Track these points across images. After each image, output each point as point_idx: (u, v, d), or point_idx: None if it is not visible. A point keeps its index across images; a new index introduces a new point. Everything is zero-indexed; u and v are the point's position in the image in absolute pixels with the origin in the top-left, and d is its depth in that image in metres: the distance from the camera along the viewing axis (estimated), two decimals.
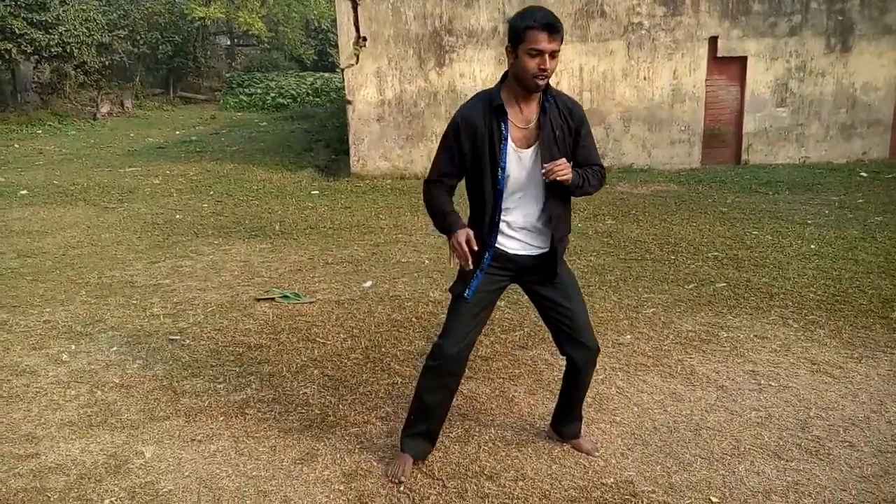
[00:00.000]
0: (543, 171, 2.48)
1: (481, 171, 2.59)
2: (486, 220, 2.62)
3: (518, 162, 2.57)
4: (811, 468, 2.83)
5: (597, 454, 2.94)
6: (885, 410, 3.29)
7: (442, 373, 2.70)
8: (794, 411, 3.29)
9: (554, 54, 2.46)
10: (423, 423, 2.82)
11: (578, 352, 2.77)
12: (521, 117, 2.57)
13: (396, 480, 2.76)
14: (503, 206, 2.61)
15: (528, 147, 2.57)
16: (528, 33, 2.43)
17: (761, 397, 3.44)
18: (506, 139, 2.54)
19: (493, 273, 2.69)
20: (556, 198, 2.62)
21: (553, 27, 2.43)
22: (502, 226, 2.64)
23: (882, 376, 3.64)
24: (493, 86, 2.65)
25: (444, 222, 2.60)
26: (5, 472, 2.89)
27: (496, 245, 2.65)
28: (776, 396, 3.44)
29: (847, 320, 4.40)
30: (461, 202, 2.59)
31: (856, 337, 4.15)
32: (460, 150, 2.60)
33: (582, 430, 3.05)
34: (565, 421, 3.00)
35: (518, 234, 2.66)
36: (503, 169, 2.56)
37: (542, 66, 2.43)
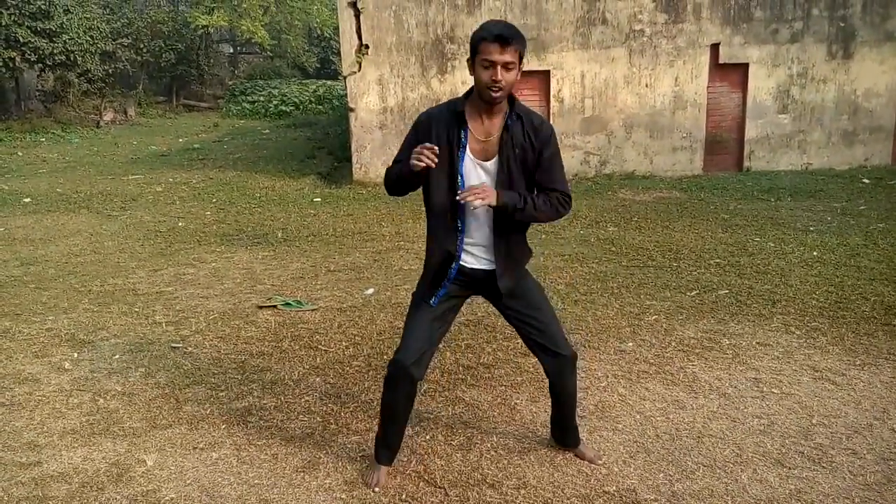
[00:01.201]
0: (458, 195, 2.46)
1: (440, 178, 2.58)
2: (449, 228, 2.63)
3: (475, 173, 2.58)
4: (814, 476, 2.82)
5: (600, 462, 2.93)
6: (889, 418, 3.28)
7: (400, 385, 2.70)
8: (797, 419, 3.28)
9: (508, 66, 2.44)
10: (394, 433, 2.83)
11: (552, 360, 2.78)
12: (482, 129, 2.57)
13: (372, 488, 2.79)
14: (462, 219, 2.62)
15: (487, 160, 2.57)
16: (480, 45, 2.45)
17: (764, 405, 3.43)
18: (464, 147, 2.55)
19: (455, 284, 2.70)
20: (504, 216, 2.59)
21: (504, 39, 2.41)
22: (462, 237, 2.64)
23: (885, 383, 3.63)
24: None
25: (399, 170, 2.59)
26: (7, 481, 2.90)
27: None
28: (779, 404, 3.43)
29: (849, 327, 4.39)
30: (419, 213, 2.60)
31: (858, 344, 4.14)
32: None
33: (584, 438, 3.05)
34: (561, 430, 3.01)
35: (473, 249, 2.67)
36: (462, 177, 2.56)
37: (494, 78, 2.43)
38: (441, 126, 2.57)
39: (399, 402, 2.75)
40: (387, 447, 2.85)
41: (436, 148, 2.42)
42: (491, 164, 2.58)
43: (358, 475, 2.88)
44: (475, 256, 2.68)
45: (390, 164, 2.75)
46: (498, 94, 2.47)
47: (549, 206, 2.58)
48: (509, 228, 2.64)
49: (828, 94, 11.01)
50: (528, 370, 3.86)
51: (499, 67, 2.42)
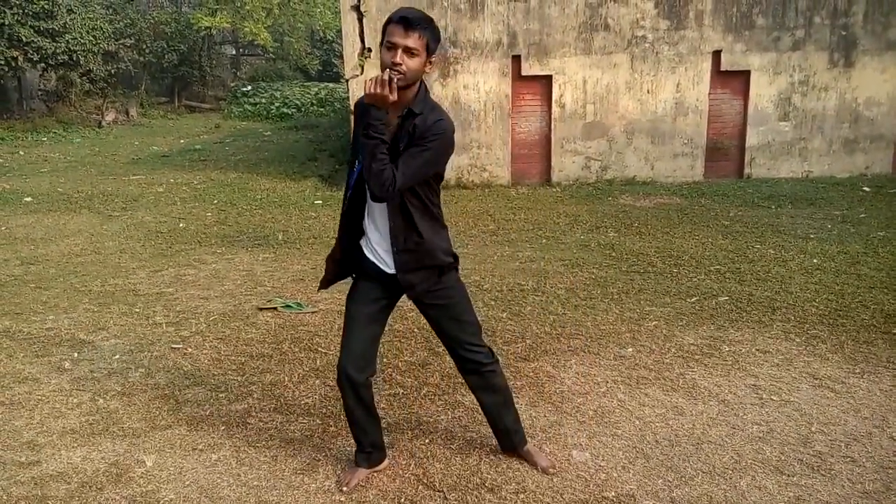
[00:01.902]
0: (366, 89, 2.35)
1: (352, 161, 2.62)
2: (354, 214, 2.68)
3: None
4: (813, 483, 2.83)
5: (552, 472, 2.90)
6: (888, 426, 3.28)
7: (345, 387, 2.74)
8: (796, 426, 3.29)
9: (412, 51, 2.38)
10: (360, 436, 2.86)
11: (467, 368, 2.83)
12: (386, 119, 2.50)
13: (340, 488, 2.81)
14: (367, 208, 2.64)
15: None
16: (386, 28, 2.43)
17: (763, 412, 3.43)
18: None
19: (368, 280, 2.72)
20: (404, 211, 2.55)
21: (408, 21, 2.37)
22: (369, 228, 2.66)
23: (884, 391, 3.64)
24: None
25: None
26: (7, 480, 2.90)
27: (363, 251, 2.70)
28: (778, 411, 3.44)
29: (849, 335, 4.40)
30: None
31: (858, 352, 4.14)
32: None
33: (582, 443, 3.04)
34: (494, 432, 3.01)
35: (375, 247, 2.67)
36: (359, 162, 2.56)
37: (393, 60, 2.37)
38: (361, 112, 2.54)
39: (350, 404, 2.77)
40: (360, 450, 2.89)
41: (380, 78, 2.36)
42: None
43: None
44: (377, 256, 2.67)
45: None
46: (398, 78, 2.39)
47: (381, 168, 2.38)
48: (405, 223, 2.56)
49: (829, 102, 11.03)
50: (528, 374, 3.87)
51: (399, 50, 2.38)
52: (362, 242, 2.71)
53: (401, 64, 2.38)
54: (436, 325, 2.80)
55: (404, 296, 2.75)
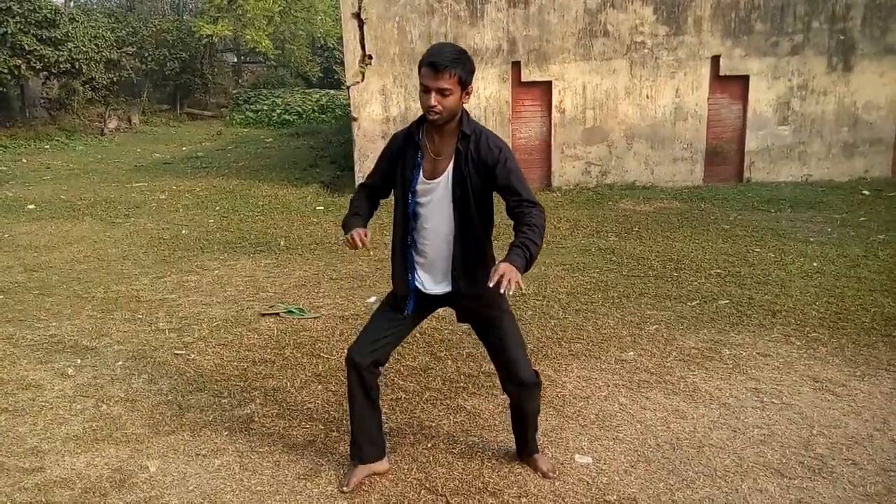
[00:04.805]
0: (494, 281, 2.31)
1: (398, 195, 2.70)
2: (401, 245, 2.72)
3: (427, 192, 2.64)
4: (814, 486, 2.83)
5: (553, 475, 2.92)
6: (889, 428, 3.29)
7: (353, 370, 2.76)
8: (797, 429, 3.30)
9: (444, 92, 2.46)
10: (358, 430, 2.87)
11: (512, 389, 2.84)
12: (433, 148, 2.62)
13: (341, 489, 2.83)
14: (417, 237, 2.70)
15: (435, 178, 2.61)
16: (420, 70, 2.51)
17: (764, 415, 3.44)
18: (419, 167, 2.62)
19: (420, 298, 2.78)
20: (467, 239, 2.63)
21: (436, 66, 2.44)
22: (416, 257, 2.72)
23: (885, 394, 3.64)
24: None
25: (346, 219, 2.80)
26: (11, 486, 2.91)
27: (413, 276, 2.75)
28: (779, 414, 3.45)
29: (850, 338, 4.41)
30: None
31: (858, 355, 4.15)
32: (390, 162, 2.72)
33: (584, 447, 3.06)
34: (518, 442, 3.04)
35: (429, 268, 2.72)
36: (413, 194, 2.64)
37: (428, 103, 2.47)
38: (404, 147, 2.67)
39: (353, 388, 2.79)
40: (353, 442, 2.90)
41: (360, 238, 2.61)
42: (438, 182, 2.61)
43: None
44: (431, 277, 2.73)
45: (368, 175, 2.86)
46: (435, 118, 2.52)
47: (535, 233, 2.46)
48: (464, 251, 2.65)
49: (828, 106, 11.05)
50: None
51: (433, 93, 2.46)
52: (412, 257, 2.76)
53: (436, 105, 2.48)
54: (486, 345, 2.85)
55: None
